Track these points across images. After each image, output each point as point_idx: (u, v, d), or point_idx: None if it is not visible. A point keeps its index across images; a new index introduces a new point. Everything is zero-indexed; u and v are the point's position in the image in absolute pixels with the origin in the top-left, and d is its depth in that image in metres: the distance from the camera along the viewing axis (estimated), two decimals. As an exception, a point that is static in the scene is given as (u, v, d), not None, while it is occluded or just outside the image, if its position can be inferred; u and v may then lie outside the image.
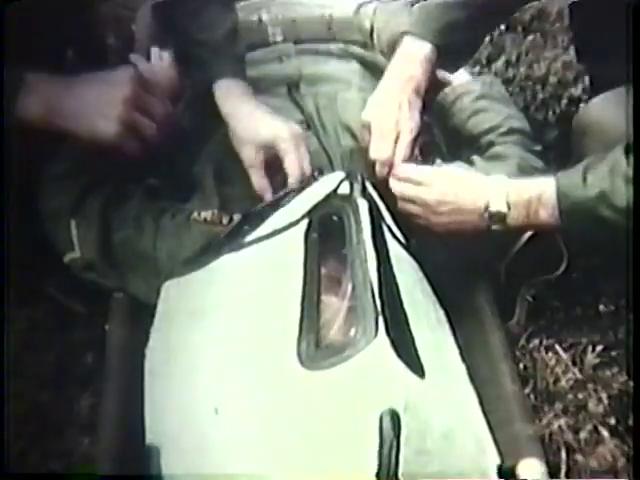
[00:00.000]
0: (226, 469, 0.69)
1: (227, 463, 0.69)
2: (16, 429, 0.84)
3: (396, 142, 0.98)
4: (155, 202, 1.01)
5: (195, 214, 0.98)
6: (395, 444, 0.64)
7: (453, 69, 1.13)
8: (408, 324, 0.77)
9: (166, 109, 0.95)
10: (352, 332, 0.72)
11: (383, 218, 0.87)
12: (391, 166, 0.98)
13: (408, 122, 0.99)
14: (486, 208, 0.89)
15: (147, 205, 1.00)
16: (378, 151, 0.98)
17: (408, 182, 0.95)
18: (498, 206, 0.89)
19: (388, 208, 0.91)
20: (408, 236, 0.93)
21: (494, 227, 0.90)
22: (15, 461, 0.82)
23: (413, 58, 1.01)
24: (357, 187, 0.85)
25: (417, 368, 0.72)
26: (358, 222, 0.81)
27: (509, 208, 0.88)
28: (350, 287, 0.77)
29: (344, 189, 0.86)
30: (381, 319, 0.71)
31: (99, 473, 0.77)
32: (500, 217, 0.89)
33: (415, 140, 0.99)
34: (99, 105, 0.88)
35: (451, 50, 1.03)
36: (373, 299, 0.73)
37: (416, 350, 0.75)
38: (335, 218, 0.84)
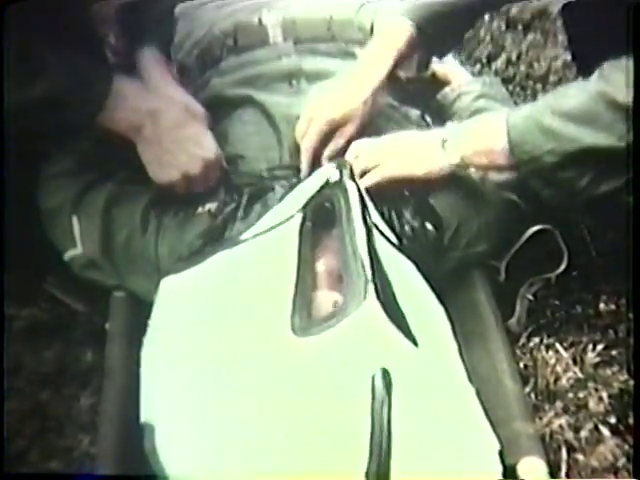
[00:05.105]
0: (224, 442, 0.70)
1: (225, 436, 0.70)
2: (15, 428, 0.85)
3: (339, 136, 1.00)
4: (160, 199, 1.01)
5: (200, 208, 0.98)
6: (387, 401, 0.66)
7: (439, 55, 1.15)
8: (399, 306, 0.78)
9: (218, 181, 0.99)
10: (342, 301, 0.73)
11: (371, 217, 0.88)
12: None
13: (358, 119, 1.00)
14: (434, 142, 0.92)
15: (151, 202, 1.00)
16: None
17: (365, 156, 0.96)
18: (443, 137, 0.92)
19: (377, 209, 0.92)
20: (401, 237, 0.94)
21: (449, 158, 0.92)
22: (14, 460, 0.82)
23: (392, 46, 1.02)
24: (346, 172, 0.88)
25: (409, 335, 0.74)
26: (347, 202, 0.83)
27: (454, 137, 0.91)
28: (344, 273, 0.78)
29: (334, 177, 0.88)
30: (370, 285, 0.72)
31: (99, 472, 0.77)
32: (447, 144, 0.92)
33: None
34: (179, 153, 0.94)
35: (437, 37, 1.03)
36: (363, 268, 0.74)
37: (407, 321, 0.76)
38: (327, 205, 0.86)
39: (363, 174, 0.95)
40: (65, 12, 0.94)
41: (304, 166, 1.00)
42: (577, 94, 0.84)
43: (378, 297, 0.72)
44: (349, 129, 1.01)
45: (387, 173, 0.95)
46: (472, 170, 0.96)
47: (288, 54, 1.17)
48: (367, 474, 0.65)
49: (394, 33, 1.02)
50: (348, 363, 0.69)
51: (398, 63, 1.03)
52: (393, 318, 0.72)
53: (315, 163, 1.00)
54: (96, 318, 0.98)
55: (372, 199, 0.92)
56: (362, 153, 0.97)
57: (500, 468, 0.75)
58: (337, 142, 1.01)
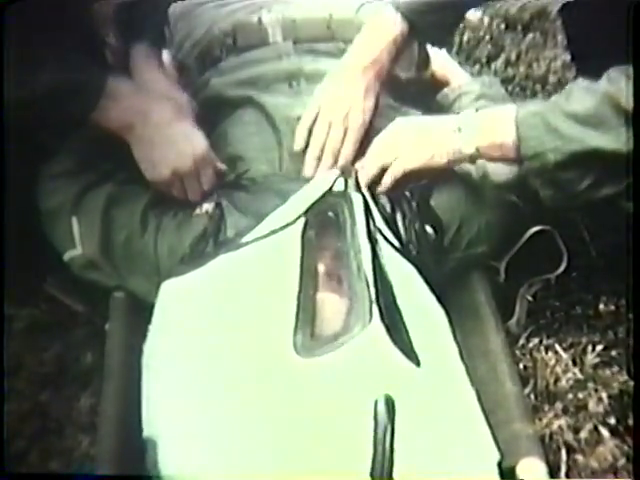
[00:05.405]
0: (224, 458, 0.70)
1: (225, 452, 0.70)
2: (15, 428, 0.84)
3: (344, 137, 1.00)
4: (159, 200, 1.01)
5: (197, 210, 0.98)
6: (389, 428, 0.65)
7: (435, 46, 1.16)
8: (402, 317, 0.78)
9: (213, 181, 1.00)
10: (346, 321, 0.73)
11: (374, 221, 0.88)
12: (337, 160, 0.99)
13: (358, 118, 1.00)
14: (448, 130, 0.92)
15: (151, 203, 1.00)
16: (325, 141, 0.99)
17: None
18: (458, 125, 0.91)
19: (380, 212, 0.92)
20: (403, 240, 0.94)
21: (461, 146, 0.92)
22: (14, 461, 0.82)
23: (382, 38, 1.02)
24: (351, 183, 0.87)
25: (412, 356, 0.73)
26: (352, 216, 0.83)
27: (468, 126, 0.91)
28: (346, 281, 0.78)
29: (339, 186, 0.88)
30: (375, 307, 0.72)
31: (99, 473, 0.77)
32: (461, 133, 0.91)
33: (366, 133, 1.00)
34: (168, 151, 0.95)
35: (430, 29, 1.04)
36: (367, 288, 0.74)
37: (410, 340, 0.76)
38: (331, 214, 0.86)
39: (382, 171, 0.95)
40: (65, 12, 0.94)
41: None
42: (586, 96, 0.84)
43: (382, 320, 0.71)
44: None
45: (408, 166, 0.94)
46: (481, 161, 0.96)
47: (288, 54, 1.17)
48: None
49: (384, 25, 1.02)
50: (351, 387, 0.69)
51: (396, 55, 1.03)
52: (396, 340, 0.71)
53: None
54: (96, 319, 0.98)
55: (375, 202, 0.92)
56: (378, 148, 0.96)
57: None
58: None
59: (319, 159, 1.00)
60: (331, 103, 1.01)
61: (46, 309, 1.00)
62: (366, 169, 0.95)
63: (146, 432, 0.77)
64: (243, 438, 0.70)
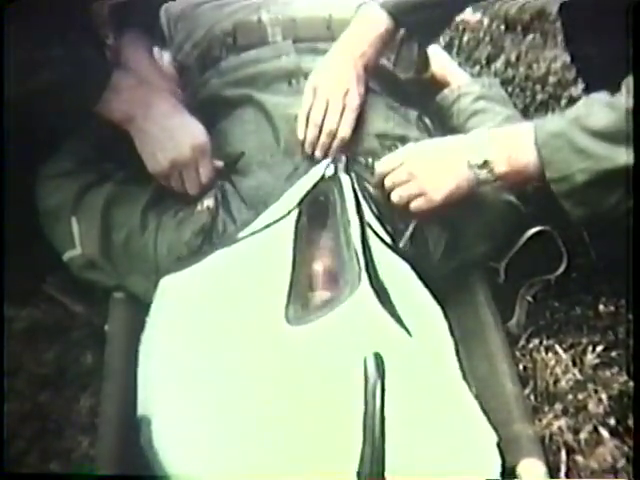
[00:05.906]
0: (220, 431, 0.71)
1: (220, 424, 0.71)
2: (15, 429, 0.84)
3: (341, 115, 1.01)
4: (159, 199, 1.01)
5: (198, 206, 0.98)
6: (380, 385, 0.66)
7: (425, 44, 1.20)
8: (391, 301, 0.79)
9: (211, 174, 1.01)
10: (336, 291, 0.74)
11: (364, 216, 0.88)
12: (334, 138, 1.00)
13: (355, 98, 1.02)
14: (469, 163, 0.90)
15: (151, 202, 1.00)
16: (323, 119, 1.00)
17: (393, 170, 0.94)
18: (479, 158, 0.89)
19: (373, 212, 0.92)
20: (399, 238, 0.94)
21: (483, 177, 0.90)
22: (14, 461, 0.82)
23: (369, 33, 1.06)
24: (341, 166, 0.90)
25: (402, 323, 0.75)
26: (342, 195, 0.85)
27: (490, 158, 0.89)
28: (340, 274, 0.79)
29: (329, 171, 0.90)
30: (364, 274, 0.74)
31: (99, 473, 0.77)
32: (484, 166, 0.89)
33: (360, 124, 1.02)
34: (167, 141, 0.96)
35: (419, 26, 1.08)
36: (356, 257, 0.76)
37: (401, 318, 0.77)
38: (322, 198, 0.88)
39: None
40: (65, 12, 0.94)
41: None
42: (608, 111, 0.83)
43: (371, 284, 0.72)
44: None
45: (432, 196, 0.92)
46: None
47: (287, 53, 1.18)
48: (361, 457, 0.65)
49: (371, 21, 1.06)
50: (342, 348, 0.70)
51: (382, 49, 1.07)
52: (386, 306, 0.72)
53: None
54: (95, 319, 0.98)
55: (373, 200, 0.92)
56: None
57: (499, 460, 0.76)
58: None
59: (317, 137, 1.00)
60: (328, 83, 1.03)
61: (46, 310, 1.00)
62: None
63: (141, 410, 0.77)
64: (237, 410, 0.71)
